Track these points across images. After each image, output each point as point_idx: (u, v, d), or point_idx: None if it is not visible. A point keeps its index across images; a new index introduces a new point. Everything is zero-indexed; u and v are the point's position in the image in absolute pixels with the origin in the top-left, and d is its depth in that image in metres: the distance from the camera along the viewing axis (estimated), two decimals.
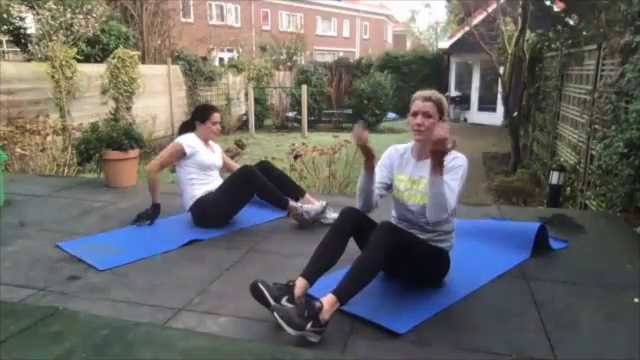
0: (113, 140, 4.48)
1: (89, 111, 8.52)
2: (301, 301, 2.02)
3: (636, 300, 2.28)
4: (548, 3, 7.08)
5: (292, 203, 3.36)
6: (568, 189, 5.43)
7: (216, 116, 3.54)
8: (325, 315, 1.92)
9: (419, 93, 2.26)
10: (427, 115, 2.19)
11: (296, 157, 5.07)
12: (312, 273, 2.14)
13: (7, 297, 2.32)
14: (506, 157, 8.99)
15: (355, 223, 2.27)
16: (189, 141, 3.44)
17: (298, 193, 3.56)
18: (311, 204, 3.46)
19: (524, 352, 1.88)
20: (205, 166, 3.43)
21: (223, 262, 2.78)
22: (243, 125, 14.00)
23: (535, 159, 8.32)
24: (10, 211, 3.80)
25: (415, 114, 2.22)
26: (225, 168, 3.78)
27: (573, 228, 3.34)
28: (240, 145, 5.73)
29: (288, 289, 2.09)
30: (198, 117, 3.51)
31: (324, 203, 3.44)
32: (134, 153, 4.60)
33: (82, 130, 5.62)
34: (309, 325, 1.89)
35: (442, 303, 2.22)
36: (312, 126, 14.08)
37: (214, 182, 3.45)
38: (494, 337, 1.99)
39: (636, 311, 2.19)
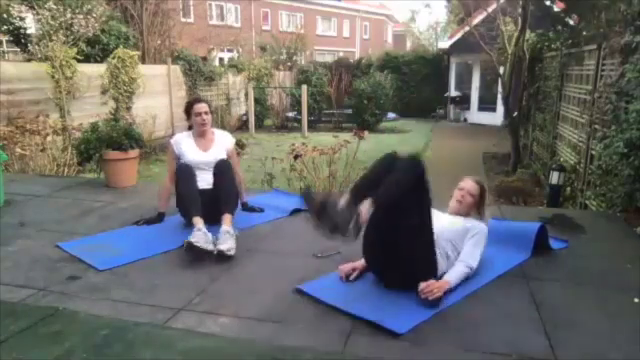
0: (113, 140, 4.48)
1: (89, 111, 8.51)
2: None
3: (636, 300, 2.28)
4: (548, 3, 7.07)
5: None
6: (568, 189, 5.43)
7: (197, 107, 3.41)
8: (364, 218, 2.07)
9: (473, 177, 2.77)
10: (471, 194, 2.66)
11: (296, 157, 5.07)
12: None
13: (7, 297, 2.32)
14: (506, 157, 8.99)
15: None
16: (179, 139, 3.46)
17: (222, 210, 3.12)
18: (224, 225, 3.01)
19: (524, 352, 1.88)
20: (193, 165, 3.35)
21: (223, 262, 2.78)
22: (243, 125, 14.00)
23: (535, 159, 8.32)
24: (10, 211, 3.80)
25: (462, 189, 2.68)
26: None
27: (573, 228, 3.34)
28: (240, 145, 5.72)
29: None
30: (186, 113, 3.50)
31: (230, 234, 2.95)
32: (134, 153, 4.60)
33: (82, 130, 5.62)
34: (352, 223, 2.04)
35: (442, 303, 2.22)
36: (312, 126, 14.08)
37: (203, 182, 3.29)
38: (494, 337, 1.99)
39: (636, 311, 2.19)
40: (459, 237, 2.51)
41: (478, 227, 2.57)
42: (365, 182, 2.27)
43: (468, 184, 2.70)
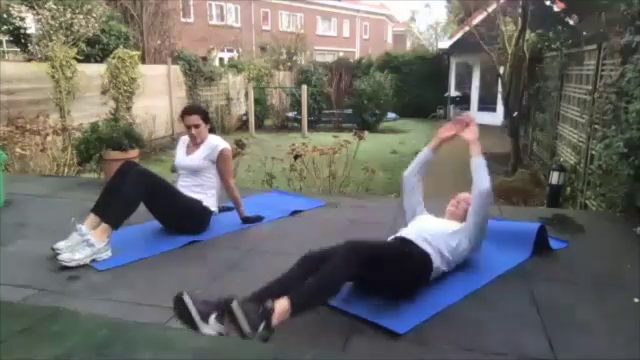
0: (113, 140, 4.48)
1: (89, 111, 8.52)
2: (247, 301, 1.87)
3: (636, 300, 2.28)
4: (548, 3, 7.08)
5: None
6: (568, 189, 5.43)
7: (185, 120, 3.26)
8: (274, 320, 1.80)
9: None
10: (466, 202, 2.73)
11: (296, 157, 5.07)
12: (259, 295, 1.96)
13: (7, 297, 2.32)
14: (506, 157, 8.99)
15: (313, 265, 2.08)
16: (181, 141, 3.46)
17: (104, 218, 2.88)
18: (95, 238, 2.75)
19: (524, 352, 1.88)
20: (178, 168, 3.42)
21: (223, 262, 2.78)
22: (243, 125, 14.01)
23: (535, 159, 8.32)
24: (10, 211, 3.80)
25: (456, 198, 2.80)
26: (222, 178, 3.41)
27: (573, 228, 3.34)
28: (240, 145, 5.72)
29: (218, 306, 1.86)
30: (181, 120, 3.39)
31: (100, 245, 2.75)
32: (134, 153, 4.61)
33: (82, 130, 5.62)
34: (262, 326, 1.77)
35: (442, 303, 2.22)
36: (312, 126, 14.08)
37: (181, 185, 3.29)
38: (494, 337, 1.99)
39: (636, 311, 2.19)
40: (451, 237, 2.51)
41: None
42: (280, 282, 2.05)
43: (464, 194, 2.79)
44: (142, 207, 3.45)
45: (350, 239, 2.07)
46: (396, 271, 2.18)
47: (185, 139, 3.45)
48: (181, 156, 3.39)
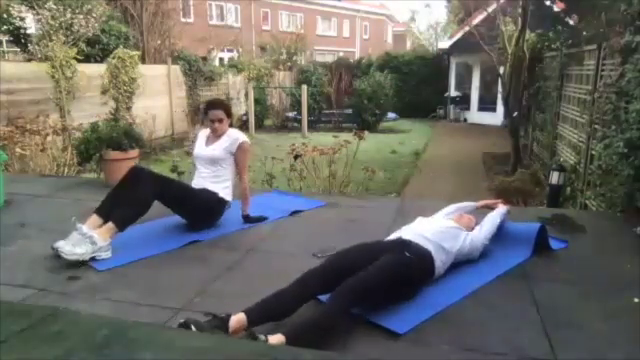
0: (113, 140, 4.48)
1: (89, 111, 8.52)
2: (241, 335, 1.91)
3: (636, 300, 2.28)
4: (548, 3, 7.08)
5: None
6: (568, 189, 5.43)
7: (211, 114, 3.39)
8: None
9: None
10: (469, 218, 2.86)
11: (296, 157, 5.07)
12: (256, 315, 1.99)
13: (7, 297, 2.32)
14: (506, 157, 8.99)
15: (321, 284, 2.14)
16: (200, 133, 3.58)
17: (111, 213, 2.90)
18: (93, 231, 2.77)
19: (524, 352, 1.88)
20: (196, 158, 3.50)
21: (223, 262, 2.78)
22: (243, 125, 14.00)
23: (535, 159, 8.32)
24: (10, 211, 3.80)
25: (461, 214, 2.91)
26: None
27: (573, 228, 3.34)
28: None
29: (221, 322, 1.95)
30: (204, 112, 3.53)
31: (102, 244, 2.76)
32: (134, 153, 4.61)
33: (82, 130, 5.62)
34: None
35: (442, 303, 2.22)
36: (312, 126, 14.08)
37: (200, 176, 3.39)
38: (494, 337, 1.99)
39: (636, 311, 2.19)
40: (451, 235, 2.54)
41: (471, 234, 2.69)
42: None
43: (467, 214, 2.91)
44: None
45: (349, 285, 2.00)
46: (396, 285, 2.16)
47: (205, 131, 3.56)
48: (201, 146, 3.48)
